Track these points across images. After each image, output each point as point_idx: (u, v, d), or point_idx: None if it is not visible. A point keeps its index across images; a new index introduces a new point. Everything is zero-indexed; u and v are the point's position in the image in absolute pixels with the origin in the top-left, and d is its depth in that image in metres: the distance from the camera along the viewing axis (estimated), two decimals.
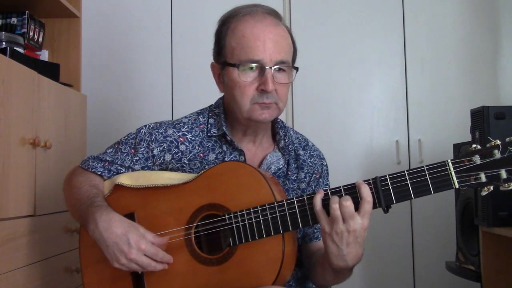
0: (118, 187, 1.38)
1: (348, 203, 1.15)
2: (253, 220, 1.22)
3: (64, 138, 2.07)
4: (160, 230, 1.29)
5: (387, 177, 1.16)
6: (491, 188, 1.12)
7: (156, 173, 1.38)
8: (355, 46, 2.82)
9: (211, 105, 1.49)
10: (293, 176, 1.43)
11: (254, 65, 1.31)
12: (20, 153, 1.71)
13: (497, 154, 1.11)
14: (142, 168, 1.42)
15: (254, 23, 1.33)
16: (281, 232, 1.21)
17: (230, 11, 1.39)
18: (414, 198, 1.15)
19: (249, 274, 1.22)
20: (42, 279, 1.81)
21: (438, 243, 2.69)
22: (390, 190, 1.16)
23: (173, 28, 2.83)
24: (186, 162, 1.40)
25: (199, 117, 1.45)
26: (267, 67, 1.30)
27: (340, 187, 1.19)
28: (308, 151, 1.49)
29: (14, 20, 2.10)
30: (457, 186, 1.13)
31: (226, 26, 1.37)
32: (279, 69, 1.33)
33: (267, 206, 1.22)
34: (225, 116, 1.43)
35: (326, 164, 1.52)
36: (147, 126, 1.45)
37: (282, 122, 1.48)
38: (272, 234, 1.21)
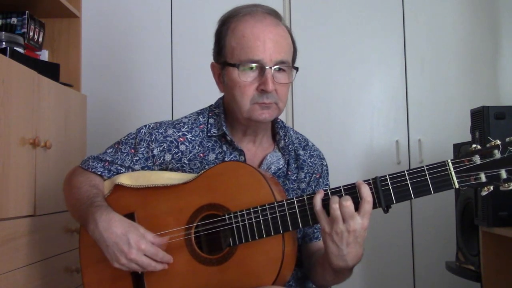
0: (118, 187, 1.38)
1: (348, 203, 1.15)
2: (253, 220, 1.22)
3: (64, 138, 2.07)
4: (160, 230, 1.29)
5: (387, 177, 1.16)
6: (491, 188, 1.12)
7: (156, 173, 1.38)
8: (355, 46, 2.82)
9: (211, 105, 1.49)
10: (293, 176, 1.43)
11: (254, 65, 1.31)
12: (20, 153, 1.71)
13: (497, 154, 1.11)
14: (142, 168, 1.42)
15: (254, 23, 1.33)
16: (281, 232, 1.21)
17: (230, 11, 1.39)
18: (414, 198, 1.15)
19: (249, 274, 1.22)
20: (42, 279, 1.81)
21: (438, 243, 2.69)
22: (390, 190, 1.16)
23: (173, 28, 2.83)
24: (186, 162, 1.40)
25: (199, 117, 1.45)
26: (267, 67, 1.30)
27: (340, 187, 1.19)
28: (308, 151, 1.49)
29: (14, 20, 2.10)
30: (457, 186, 1.13)
31: (226, 26, 1.37)
32: (279, 69, 1.33)
33: (267, 206, 1.22)
34: (225, 116, 1.43)
35: (326, 164, 1.52)
36: (147, 126, 1.45)
37: (282, 122, 1.48)
38: (272, 234, 1.21)
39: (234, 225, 1.23)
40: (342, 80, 2.81)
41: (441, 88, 2.79)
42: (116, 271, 1.28)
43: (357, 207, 1.16)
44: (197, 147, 1.41)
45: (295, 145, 1.47)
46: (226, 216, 1.24)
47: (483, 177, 1.11)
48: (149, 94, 2.80)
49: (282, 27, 1.37)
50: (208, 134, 1.42)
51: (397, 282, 2.73)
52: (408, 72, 2.80)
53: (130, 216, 1.32)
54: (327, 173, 1.52)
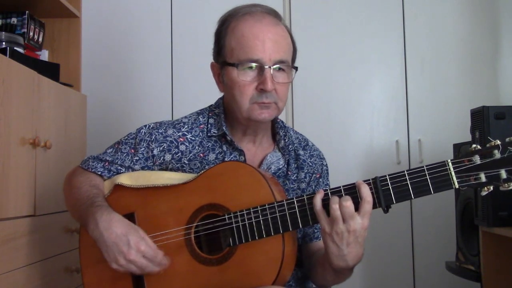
0: (118, 187, 1.38)
1: (348, 203, 1.15)
2: (253, 220, 1.22)
3: (64, 138, 2.07)
4: (160, 230, 1.29)
5: (387, 177, 1.16)
6: (491, 188, 1.12)
7: (156, 173, 1.38)
8: (355, 46, 2.82)
9: (211, 105, 1.49)
10: (293, 176, 1.43)
11: (253, 64, 1.31)
12: (20, 153, 1.71)
13: (497, 154, 1.11)
14: (142, 168, 1.42)
15: (254, 23, 1.33)
16: (281, 232, 1.21)
17: (230, 11, 1.39)
18: (414, 198, 1.15)
19: (249, 274, 1.22)
20: (42, 279, 1.81)
21: (438, 243, 2.69)
22: (390, 190, 1.16)
23: (173, 28, 2.83)
24: (186, 162, 1.40)
25: (199, 117, 1.45)
26: (266, 67, 1.30)
27: (340, 187, 1.19)
28: (308, 151, 1.49)
29: (14, 20, 2.10)
30: (457, 186, 1.13)
31: (226, 26, 1.37)
32: (279, 68, 1.33)
33: (267, 206, 1.22)
34: (225, 116, 1.43)
35: (326, 164, 1.52)
36: (147, 126, 1.45)
37: (282, 122, 1.48)
38: (272, 234, 1.21)
39: (234, 225, 1.23)
40: (342, 80, 2.81)
41: (441, 88, 2.79)
42: (116, 271, 1.28)
43: (357, 207, 1.15)
44: (197, 147, 1.41)
45: (295, 145, 1.47)
46: (226, 216, 1.24)
47: (483, 177, 1.11)
48: (149, 94, 2.80)
49: (281, 27, 1.37)
50: (208, 134, 1.42)
51: (397, 282, 2.73)
52: (408, 72, 2.80)
53: (130, 216, 1.32)
54: (327, 173, 1.52)
